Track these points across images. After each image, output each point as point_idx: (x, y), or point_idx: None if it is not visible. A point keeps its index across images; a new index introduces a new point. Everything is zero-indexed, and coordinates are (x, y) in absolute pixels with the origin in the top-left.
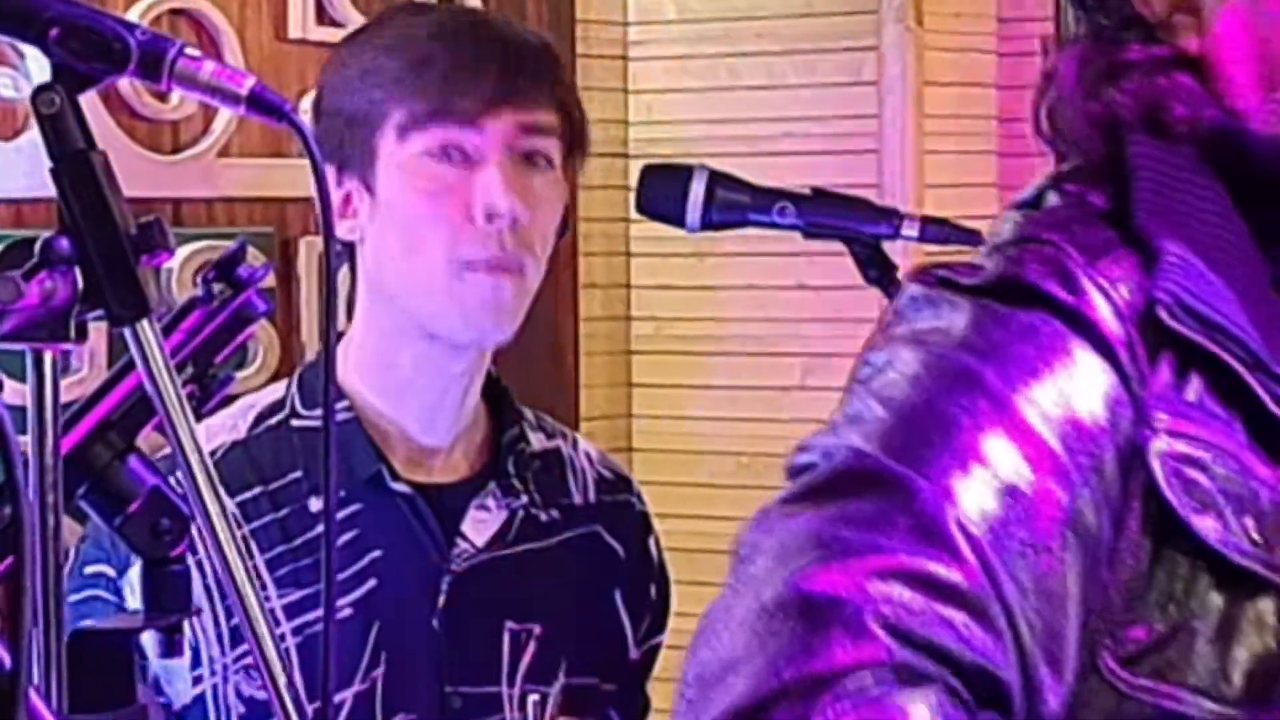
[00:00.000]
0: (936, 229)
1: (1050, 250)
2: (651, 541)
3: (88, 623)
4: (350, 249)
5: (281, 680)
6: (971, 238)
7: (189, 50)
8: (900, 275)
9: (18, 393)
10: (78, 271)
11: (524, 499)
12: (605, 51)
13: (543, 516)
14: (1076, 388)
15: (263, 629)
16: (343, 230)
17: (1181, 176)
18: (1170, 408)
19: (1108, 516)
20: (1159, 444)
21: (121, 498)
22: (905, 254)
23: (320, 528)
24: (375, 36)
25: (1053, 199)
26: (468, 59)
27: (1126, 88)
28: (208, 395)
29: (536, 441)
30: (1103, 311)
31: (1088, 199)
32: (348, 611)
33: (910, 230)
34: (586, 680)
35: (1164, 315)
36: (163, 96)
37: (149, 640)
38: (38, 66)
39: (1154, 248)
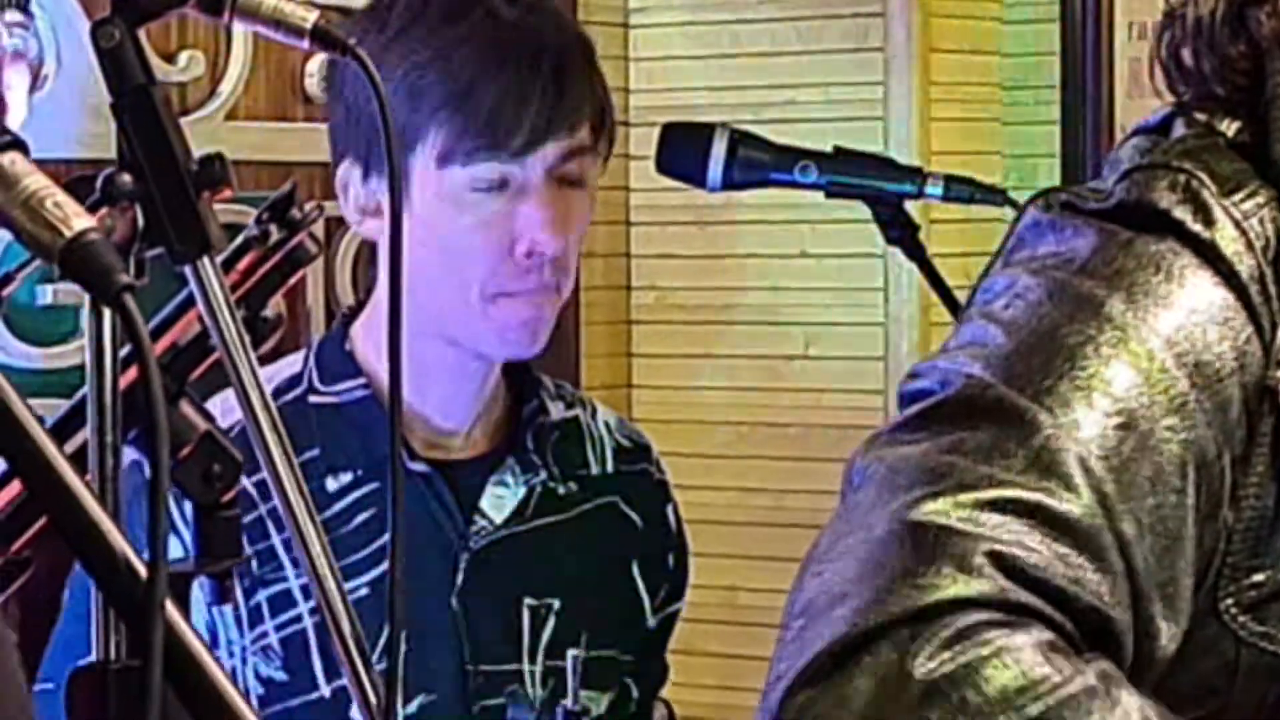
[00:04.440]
0: (961, 187)
1: (1183, 177)
2: (670, 510)
3: None
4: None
5: (346, 626)
6: (996, 196)
7: None
8: (920, 236)
9: (25, 355)
10: (138, 208)
11: (543, 474)
12: (607, 19)
13: (561, 490)
14: (1204, 323)
15: (324, 568)
16: (366, 230)
17: None
18: None
19: (1229, 457)
20: None
21: (173, 443)
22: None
23: (338, 506)
24: (410, 43)
25: (1180, 127)
26: (515, 89)
27: (1268, 12)
28: (259, 338)
29: (555, 411)
30: (1236, 245)
31: (1216, 128)
32: (364, 591)
33: (934, 188)
34: (604, 651)
35: None
36: (170, 58)
37: (199, 587)
38: (47, 26)
39: None
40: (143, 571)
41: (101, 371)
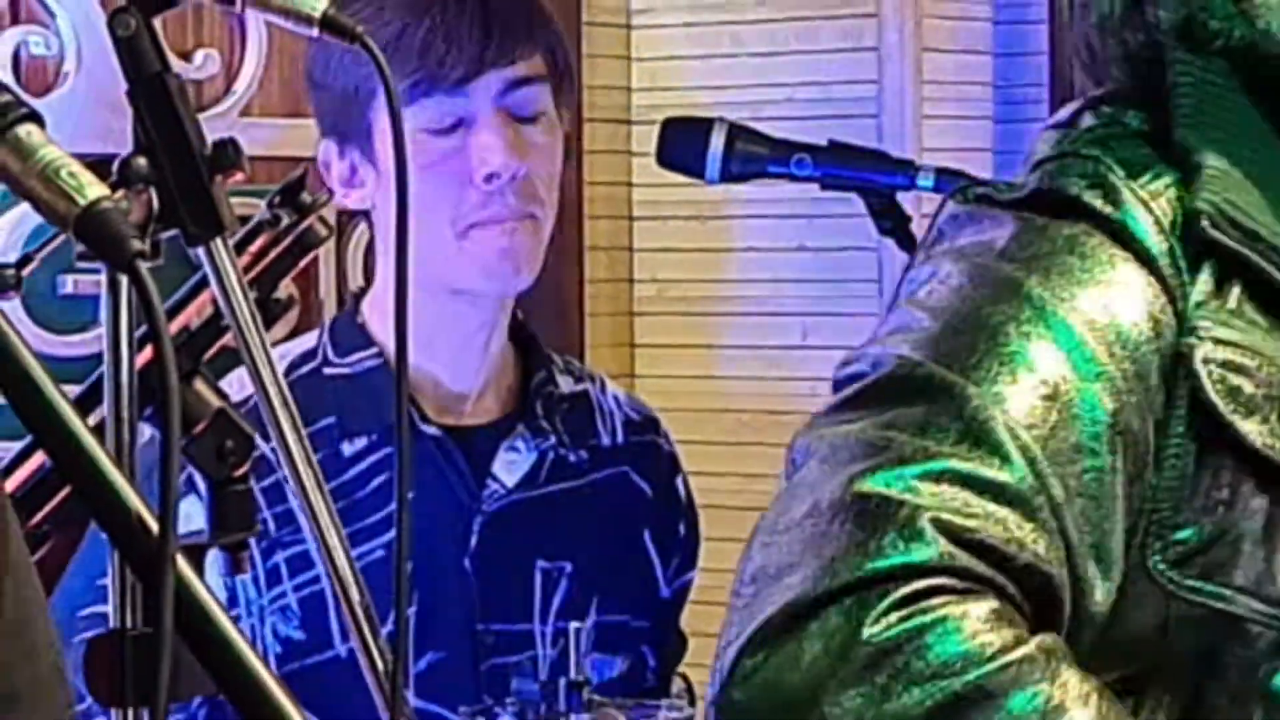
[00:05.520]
0: (951, 179)
1: (1091, 164)
2: (679, 481)
3: None
4: (366, 213)
5: (355, 598)
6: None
7: None
8: (911, 228)
9: (45, 343)
10: (153, 191)
11: (553, 440)
12: (609, 20)
13: (572, 457)
14: (1119, 297)
15: (334, 540)
16: (354, 200)
17: (1220, 93)
18: (1213, 315)
19: (1151, 421)
20: (1203, 350)
21: (187, 419)
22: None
23: (353, 471)
24: (354, 7)
25: (1088, 118)
26: (442, 25)
27: (1161, 5)
28: (271, 319)
29: (565, 385)
30: (1144, 223)
31: (1122, 119)
32: (379, 553)
33: (925, 180)
34: (618, 618)
35: (1206, 225)
36: (186, 56)
37: (214, 559)
38: (68, 25)
39: (1194, 162)
40: (156, 528)
41: (118, 346)
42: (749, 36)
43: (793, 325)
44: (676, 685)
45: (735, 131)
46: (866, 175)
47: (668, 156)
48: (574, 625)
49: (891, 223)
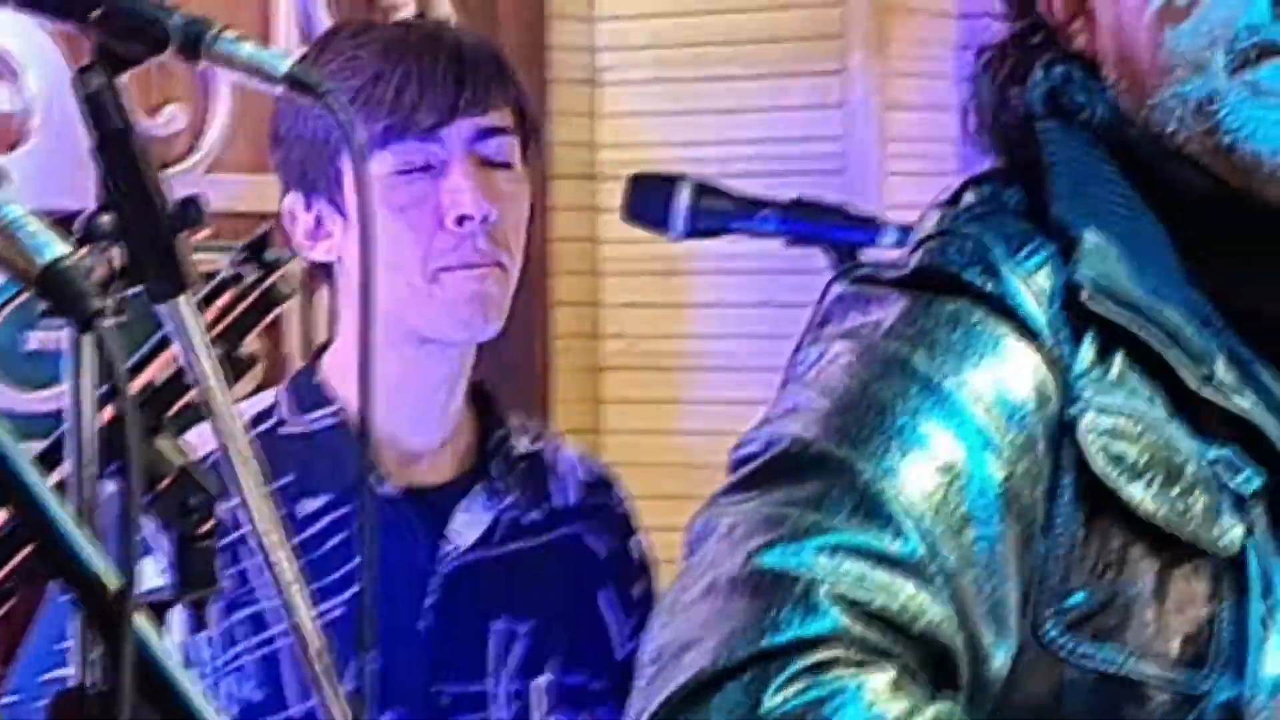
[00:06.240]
0: None
1: (970, 242)
2: (633, 541)
3: None
4: (327, 268)
5: (315, 656)
6: None
7: (227, 32)
8: None
9: (10, 399)
10: (116, 248)
11: (509, 500)
12: (574, 75)
13: (527, 518)
14: (1003, 370)
15: (296, 599)
16: (319, 253)
17: (1090, 167)
18: (1096, 384)
19: (1040, 489)
20: (1087, 419)
21: (151, 476)
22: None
23: (310, 531)
24: (322, 60)
25: (969, 197)
26: (417, 73)
27: (1033, 82)
28: (236, 375)
29: (522, 444)
30: (1024, 297)
31: (1002, 197)
32: (338, 612)
33: (889, 237)
34: (575, 678)
35: (1085, 298)
36: (153, 112)
37: (176, 617)
38: (34, 81)
39: (1071, 236)
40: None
41: (80, 403)
42: (715, 93)
43: (758, 380)
44: None
45: (701, 188)
46: (831, 231)
47: (633, 213)
48: (535, 683)
49: None
